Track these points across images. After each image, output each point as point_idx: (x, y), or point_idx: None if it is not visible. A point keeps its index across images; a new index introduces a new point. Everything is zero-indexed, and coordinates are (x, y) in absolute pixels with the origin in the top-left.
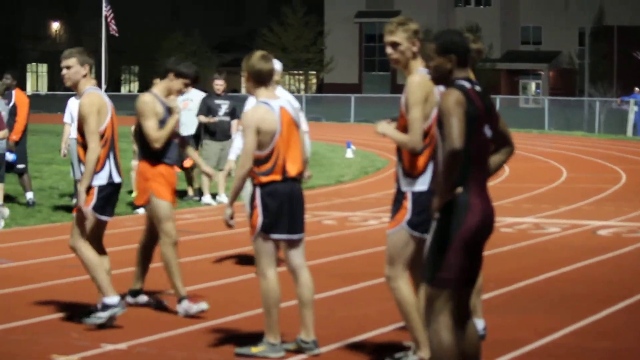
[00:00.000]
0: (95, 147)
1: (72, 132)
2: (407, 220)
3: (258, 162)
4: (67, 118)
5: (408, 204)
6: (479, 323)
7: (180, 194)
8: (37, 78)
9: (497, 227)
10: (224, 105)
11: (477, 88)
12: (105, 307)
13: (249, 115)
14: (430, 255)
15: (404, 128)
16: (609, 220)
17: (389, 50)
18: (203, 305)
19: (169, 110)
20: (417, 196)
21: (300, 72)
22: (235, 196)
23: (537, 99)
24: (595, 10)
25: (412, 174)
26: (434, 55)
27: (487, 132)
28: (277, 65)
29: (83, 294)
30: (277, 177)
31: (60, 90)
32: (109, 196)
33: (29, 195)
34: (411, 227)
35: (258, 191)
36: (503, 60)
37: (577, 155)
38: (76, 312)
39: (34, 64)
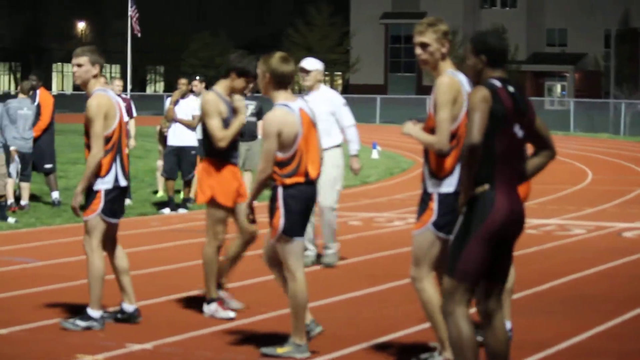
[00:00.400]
0: (97, 153)
1: None
2: (433, 222)
3: (281, 164)
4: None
5: (434, 205)
6: (506, 324)
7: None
8: (62, 78)
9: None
10: (250, 106)
11: (510, 88)
12: (87, 317)
13: (270, 118)
14: (453, 248)
15: (431, 129)
16: (634, 222)
17: (418, 50)
18: (230, 314)
19: (234, 110)
20: (443, 197)
21: (326, 72)
22: (254, 199)
23: (563, 100)
24: (620, 12)
25: (438, 175)
26: (469, 55)
27: (518, 131)
28: (319, 64)
29: (109, 294)
30: (300, 179)
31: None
32: (115, 199)
33: (55, 194)
34: (437, 228)
35: (280, 193)
36: (528, 62)
37: (602, 157)
38: (103, 312)
39: (59, 63)
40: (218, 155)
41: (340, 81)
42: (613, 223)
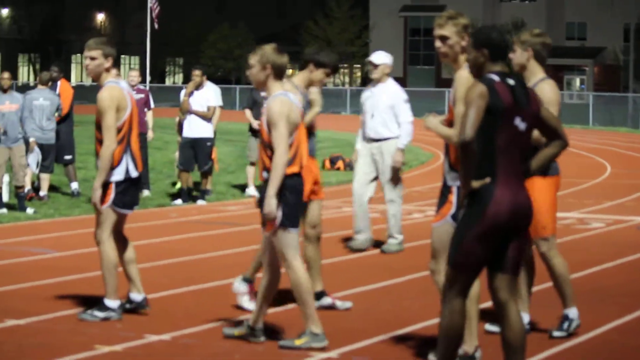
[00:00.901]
0: (110, 144)
1: None
2: (452, 215)
3: None
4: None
5: (453, 198)
6: (525, 317)
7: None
8: (81, 69)
9: None
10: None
11: (510, 81)
12: (104, 308)
13: (277, 107)
14: (453, 239)
15: (451, 122)
16: None
17: (437, 43)
18: (347, 304)
19: (309, 103)
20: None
21: (345, 65)
22: (278, 185)
23: (582, 94)
24: None
25: (457, 168)
26: (471, 49)
27: (520, 124)
28: (387, 58)
29: (126, 285)
30: (296, 168)
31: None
32: (126, 190)
33: (74, 185)
34: (456, 221)
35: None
36: (548, 56)
37: (621, 151)
38: (121, 302)
39: (78, 55)
40: None
41: (359, 74)
42: (632, 217)
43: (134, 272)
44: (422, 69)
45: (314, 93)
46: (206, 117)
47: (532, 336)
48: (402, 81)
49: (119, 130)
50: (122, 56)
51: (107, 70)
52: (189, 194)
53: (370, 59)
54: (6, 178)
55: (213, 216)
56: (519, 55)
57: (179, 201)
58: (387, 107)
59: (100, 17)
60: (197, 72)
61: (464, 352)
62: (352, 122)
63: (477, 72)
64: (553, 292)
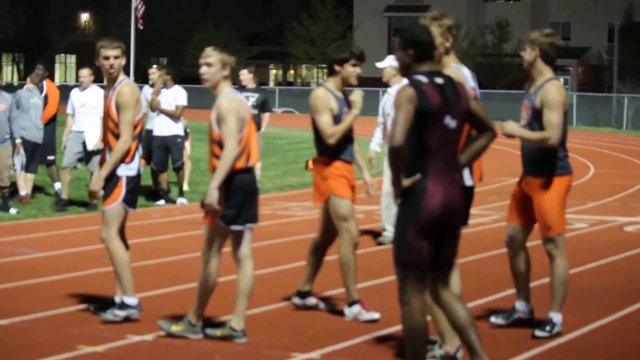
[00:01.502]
0: (128, 139)
1: (74, 124)
2: None
3: None
4: (69, 109)
5: None
6: (526, 306)
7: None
8: (65, 69)
9: None
10: (251, 98)
11: (439, 80)
12: (125, 306)
13: (226, 103)
14: (394, 238)
15: None
16: (636, 217)
17: None
18: (375, 315)
19: (348, 104)
20: None
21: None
22: (223, 178)
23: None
24: (624, 6)
25: None
26: (397, 49)
27: (450, 122)
28: (391, 61)
29: (110, 285)
30: (242, 163)
31: None
32: (135, 188)
33: (57, 185)
34: None
35: (227, 178)
36: (557, 56)
37: (604, 152)
38: (103, 303)
39: (62, 54)
40: (329, 153)
41: None
42: (615, 217)
43: None
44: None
45: (357, 95)
46: (174, 116)
47: (515, 335)
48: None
49: (135, 126)
50: None
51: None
52: (164, 194)
53: (378, 64)
54: None
55: (196, 216)
56: (527, 54)
57: (161, 202)
58: None
59: (85, 16)
60: (160, 71)
61: (445, 353)
62: None
63: (405, 72)
64: (537, 292)
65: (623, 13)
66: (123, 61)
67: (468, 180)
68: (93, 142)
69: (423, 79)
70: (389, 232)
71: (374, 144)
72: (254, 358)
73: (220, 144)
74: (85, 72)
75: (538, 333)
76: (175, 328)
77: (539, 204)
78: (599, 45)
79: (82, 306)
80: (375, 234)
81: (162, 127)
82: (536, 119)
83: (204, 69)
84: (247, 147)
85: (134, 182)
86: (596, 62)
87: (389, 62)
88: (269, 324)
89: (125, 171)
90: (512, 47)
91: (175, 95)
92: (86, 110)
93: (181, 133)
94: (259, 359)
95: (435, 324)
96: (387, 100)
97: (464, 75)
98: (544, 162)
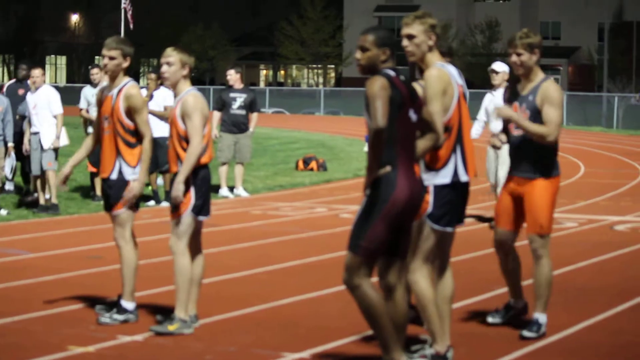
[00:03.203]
0: (197, 145)
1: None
2: (429, 214)
3: None
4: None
5: (430, 197)
6: (520, 302)
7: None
8: (56, 70)
9: None
10: (239, 99)
11: (402, 77)
12: (123, 310)
13: (192, 100)
14: (356, 225)
15: (425, 122)
16: (626, 216)
17: (404, 42)
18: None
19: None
20: (438, 190)
21: (319, 65)
22: (189, 173)
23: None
24: (614, 5)
25: (433, 167)
26: (371, 46)
27: (412, 116)
28: (506, 67)
29: (100, 285)
30: (207, 159)
31: (79, 82)
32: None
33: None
34: (433, 220)
35: (192, 173)
36: None
37: (595, 151)
38: (93, 303)
39: (52, 56)
40: None
41: (333, 74)
42: (605, 216)
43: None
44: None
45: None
46: (163, 117)
47: (507, 333)
48: None
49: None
50: (97, 57)
51: (125, 70)
52: (154, 195)
53: (493, 67)
54: None
55: None
56: (527, 58)
57: (151, 202)
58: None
59: (75, 18)
60: (153, 76)
61: (436, 352)
62: (325, 123)
63: (371, 69)
64: (528, 291)
65: (613, 12)
66: (123, 64)
67: (463, 176)
68: (50, 140)
69: (391, 72)
70: None
71: (474, 134)
72: (245, 357)
73: (186, 139)
74: (38, 72)
75: (526, 334)
76: (172, 327)
77: (531, 203)
78: (589, 45)
79: (73, 307)
80: None
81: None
82: (537, 120)
83: (164, 68)
84: (209, 144)
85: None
86: (586, 61)
87: (504, 68)
88: (259, 323)
89: (133, 175)
90: (502, 46)
91: (164, 96)
92: (38, 111)
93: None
94: (250, 359)
95: (427, 323)
96: (492, 100)
97: (449, 72)
98: (538, 163)
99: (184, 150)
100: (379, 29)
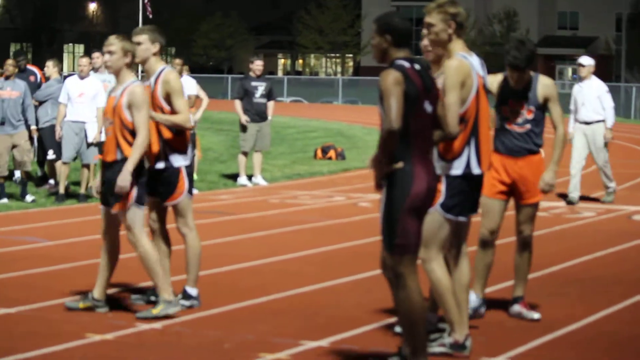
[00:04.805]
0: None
1: (67, 113)
2: (441, 203)
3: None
4: (63, 98)
5: (442, 187)
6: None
7: None
8: (73, 59)
9: None
10: (260, 87)
11: (417, 67)
12: (188, 297)
13: (140, 93)
14: (385, 226)
15: None
16: None
17: (424, 31)
18: (535, 315)
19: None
20: (451, 180)
21: (337, 55)
22: (136, 164)
23: (574, 84)
24: None
25: (446, 157)
26: (374, 35)
27: (428, 107)
28: (592, 61)
29: (118, 273)
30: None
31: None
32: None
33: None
34: (445, 210)
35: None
36: (540, 46)
37: (612, 141)
38: (111, 291)
39: (70, 44)
40: None
41: (351, 63)
42: (623, 206)
43: (166, 266)
44: (414, 58)
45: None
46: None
47: (522, 323)
48: None
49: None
50: None
51: (155, 55)
52: None
53: (580, 61)
54: None
55: (205, 205)
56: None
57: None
58: (594, 97)
59: (93, 6)
60: (177, 61)
61: (455, 341)
62: (343, 112)
63: (382, 57)
64: (545, 281)
65: (630, 2)
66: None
67: (476, 169)
68: (93, 134)
69: (405, 63)
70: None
71: (572, 126)
72: (263, 346)
73: (129, 130)
74: (85, 61)
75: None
76: (155, 311)
77: (530, 176)
78: (606, 35)
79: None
80: None
81: None
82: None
83: (106, 57)
84: (154, 135)
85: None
86: (604, 51)
87: (591, 62)
88: (277, 312)
89: (184, 162)
90: (520, 36)
91: (187, 85)
92: (84, 100)
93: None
94: (268, 347)
95: (445, 312)
96: (579, 92)
97: (470, 63)
98: (538, 139)
99: (125, 140)
100: (381, 16)
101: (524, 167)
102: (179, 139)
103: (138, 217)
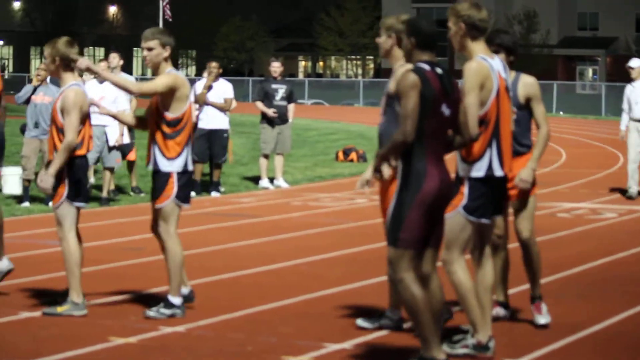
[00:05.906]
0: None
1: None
2: (464, 205)
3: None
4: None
5: (465, 189)
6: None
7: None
8: (94, 62)
9: (554, 213)
10: (280, 90)
11: (438, 70)
12: (170, 305)
13: (72, 96)
14: (391, 219)
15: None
16: None
17: (449, 34)
18: (542, 319)
19: None
20: (473, 182)
21: (358, 57)
22: (60, 166)
23: (594, 85)
24: None
25: (467, 159)
26: (403, 36)
27: (445, 110)
28: (639, 62)
29: (141, 277)
30: (84, 151)
31: (112, 72)
32: (187, 184)
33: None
34: (467, 212)
35: (69, 163)
36: (560, 46)
37: None
38: (135, 295)
39: (91, 47)
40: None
41: (372, 65)
42: None
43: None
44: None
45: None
46: (224, 109)
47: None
48: None
49: (179, 119)
50: (135, 49)
51: (165, 59)
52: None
53: (630, 64)
54: (17, 170)
55: (226, 208)
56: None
57: (192, 193)
58: None
59: (113, 9)
60: (214, 64)
61: (478, 342)
62: (364, 114)
63: (408, 58)
64: (567, 282)
65: None
66: (163, 53)
67: (498, 171)
68: (115, 137)
69: (425, 66)
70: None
71: (624, 124)
72: (286, 348)
73: (63, 132)
74: (103, 66)
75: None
76: (61, 309)
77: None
78: (626, 35)
79: (115, 298)
80: None
81: (207, 120)
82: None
83: (41, 65)
84: (86, 136)
85: (184, 179)
86: (624, 52)
87: (639, 64)
88: (299, 314)
89: (171, 167)
90: (540, 37)
91: (224, 89)
92: (105, 104)
93: (227, 127)
94: (291, 349)
95: (467, 312)
96: (632, 91)
97: (490, 65)
98: (524, 139)
99: (61, 142)
100: (412, 19)
101: (514, 169)
102: (170, 143)
103: (69, 213)
